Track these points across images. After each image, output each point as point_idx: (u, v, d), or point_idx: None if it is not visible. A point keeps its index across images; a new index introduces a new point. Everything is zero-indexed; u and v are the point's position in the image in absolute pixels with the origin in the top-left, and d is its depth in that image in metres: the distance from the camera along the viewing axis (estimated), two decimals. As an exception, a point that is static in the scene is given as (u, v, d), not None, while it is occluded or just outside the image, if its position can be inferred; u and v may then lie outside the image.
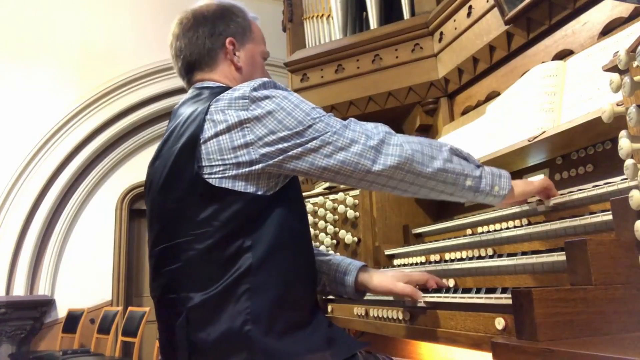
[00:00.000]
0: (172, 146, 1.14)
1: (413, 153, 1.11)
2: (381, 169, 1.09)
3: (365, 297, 1.47)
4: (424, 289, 1.25)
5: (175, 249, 1.10)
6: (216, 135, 1.08)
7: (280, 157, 1.07)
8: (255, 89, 1.10)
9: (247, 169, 1.07)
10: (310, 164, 1.09)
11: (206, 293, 1.05)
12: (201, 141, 1.08)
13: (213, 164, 1.07)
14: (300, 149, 1.07)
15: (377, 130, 1.13)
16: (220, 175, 1.07)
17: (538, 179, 1.34)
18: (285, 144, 1.07)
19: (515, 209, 1.47)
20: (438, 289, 1.23)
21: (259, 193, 1.08)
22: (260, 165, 1.07)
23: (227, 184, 1.07)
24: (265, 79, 1.14)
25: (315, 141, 1.07)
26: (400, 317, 1.26)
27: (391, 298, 1.32)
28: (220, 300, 1.04)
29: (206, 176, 1.07)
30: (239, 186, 1.07)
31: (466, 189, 1.17)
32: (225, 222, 1.06)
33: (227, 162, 1.07)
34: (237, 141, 1.07)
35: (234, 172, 1.07)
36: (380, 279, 1.26)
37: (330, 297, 1.71)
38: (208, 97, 1.16)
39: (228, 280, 1.04)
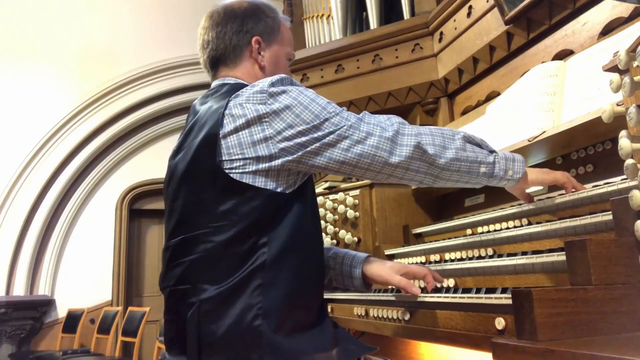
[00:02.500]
0: (193, 139, 1.16)
1: (426, 143, 1.13)
2: (398, 160, 1.12)
3: (366, 297, 1.47)
4: (424, 289, 1.25)
5: (193, 240, 1.11)
6: (236, 130, 1.09)
7: (300, 153, 1.09)
8: (273, 84, 1.12)
9: (267, 164, 1.09)
10: (329, 159, 1.11)
11: (220, 286, 1.06)
12: (221, 136, 1.10)
13: (233, 158, 1.09)
14: (318, 144, 1.09)
15: (391, 121, 1.16)
16: (240, 171, 1.08)
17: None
18: (304, 138, 1.09)
19: (515, 209, 1.47)
20: (438, 289, 1.23)
21: (278, 190, 1.10)
22: (279, 161, 1.09)
23: (248, 179, 1.08)
24: (283, 75, 1.16)
25: (332, 135, 1.10)
26: (400, 317, 1.26)
27: (391, 298, 1.32)
28: (233, 294, 1.05)
29: (227, 170, 1.08)
30: (259, 182, 1.09)
31: (480, 176, 1.20)
32: (244, 217, 1.07)
33: (247, 156, 1.08)
34: (257, 135, 1.09)
35: (254, 168, 1.08)
36: (379, 269, 1.28)
37: (332, 295, 1.70)
38: (227, 92, 1.17)
39: (242, 274, 1.05)
